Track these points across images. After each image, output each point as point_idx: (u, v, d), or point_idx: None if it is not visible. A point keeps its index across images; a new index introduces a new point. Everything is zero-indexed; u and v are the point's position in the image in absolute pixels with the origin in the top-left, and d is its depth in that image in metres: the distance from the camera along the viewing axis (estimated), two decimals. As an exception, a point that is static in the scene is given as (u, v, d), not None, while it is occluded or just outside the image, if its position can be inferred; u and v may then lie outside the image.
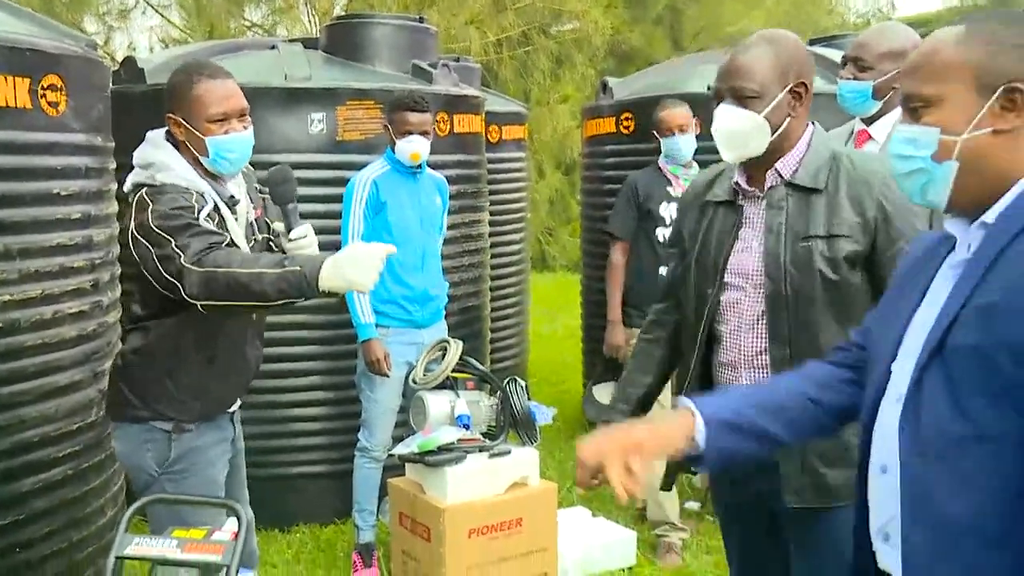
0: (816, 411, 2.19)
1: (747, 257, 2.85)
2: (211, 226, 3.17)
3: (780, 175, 2.81)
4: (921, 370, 1.84)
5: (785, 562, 2.89)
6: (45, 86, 3.71)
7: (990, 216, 1.86)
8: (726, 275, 2.84)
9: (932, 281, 1.95)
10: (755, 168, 2.83)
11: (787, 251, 2.75)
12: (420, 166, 5.01)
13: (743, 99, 2.73)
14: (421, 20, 6.30)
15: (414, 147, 4.86)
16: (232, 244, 3.24)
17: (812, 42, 7.32)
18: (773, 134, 2.75)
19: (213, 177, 3.31)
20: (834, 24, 19.18)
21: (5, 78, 3.56)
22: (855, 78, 3.84)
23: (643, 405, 3.10)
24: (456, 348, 4.84)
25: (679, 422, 2.14)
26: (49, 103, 3.73)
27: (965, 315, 1.79)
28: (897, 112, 3.90)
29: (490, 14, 11.63)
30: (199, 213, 3.16)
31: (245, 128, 3.31)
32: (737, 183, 2.87)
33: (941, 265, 1.96)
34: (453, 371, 4.88)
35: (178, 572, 3.06)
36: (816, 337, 2.72)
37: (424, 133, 4.91)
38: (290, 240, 3.31)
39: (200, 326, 3.26)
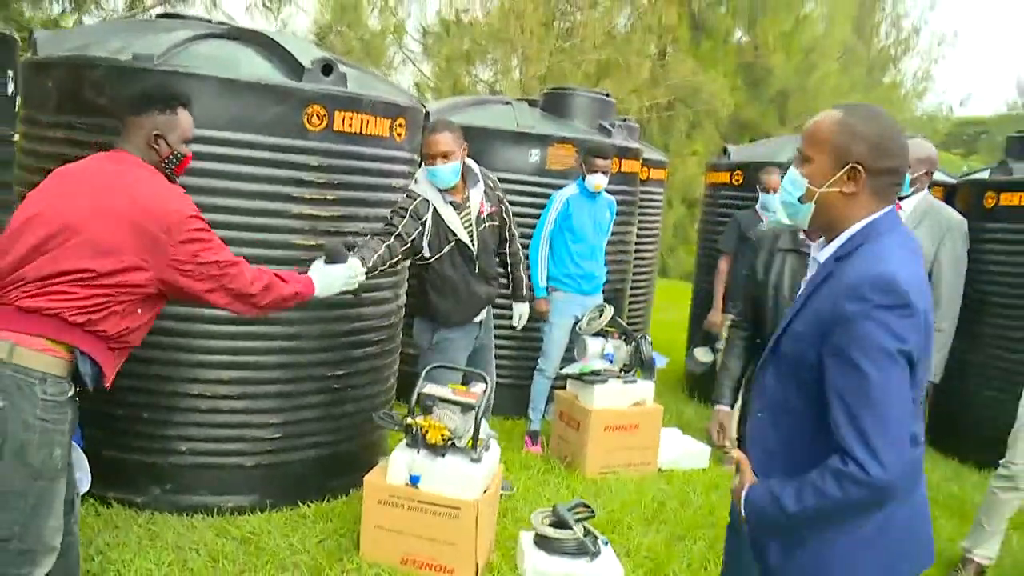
0: None
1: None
2: (414, 222, 4.29)
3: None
4: (766, 361, 2.20)
5: None
6: (398, 124, 4.59)
7: (821, 256, 2.12)
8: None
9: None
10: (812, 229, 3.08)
11: None
12: (599, 192, 5.84)
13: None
14: (607, 95, 7.01)
15: (598, 180, 5.70)
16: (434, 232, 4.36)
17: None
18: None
19: (454, 191, 4.42)
20: (904, 119, 18.88)
21: (378, 120, 4.45)
22: None
23: (736, 383, 3.33)
24: (609, 311, 5.65)
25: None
26: (397, 134, 4.62)
27: (788, 333, 2.11)
28: (920, 195, 4.53)
29: (647, 86, 12.19)
30: (416, 216, 4.29)
31: (444, 164, 4.32)
32: (802, 238, 3.09)
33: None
34: (605, 326, 5.70)
35: (449, 407, 4.10)
36: None
37: (605, 172, 5.73)
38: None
39: (437, 273, 4.47)
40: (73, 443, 2.93)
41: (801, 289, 2.17)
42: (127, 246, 2.70)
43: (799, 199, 2.12)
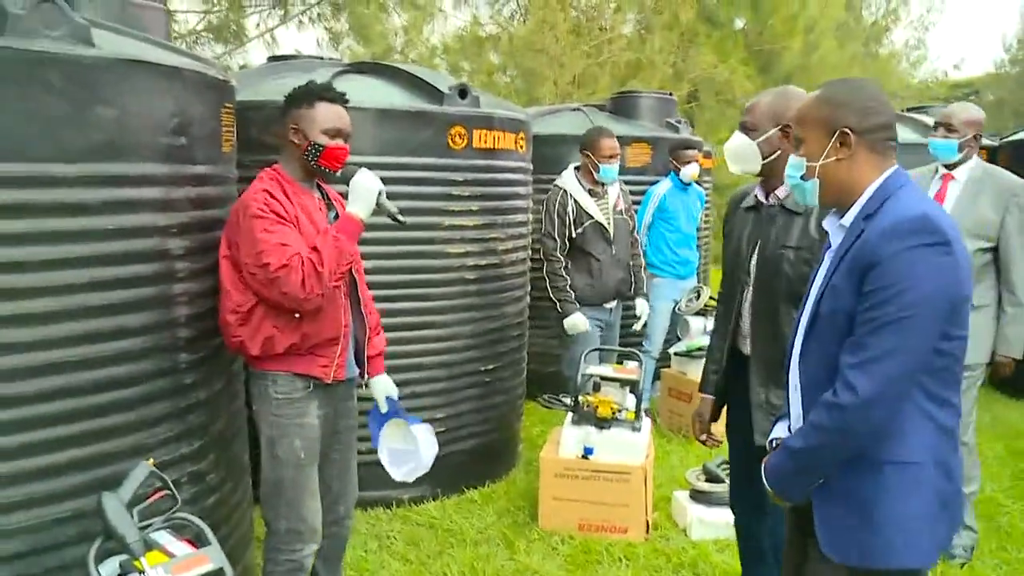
0: None
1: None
2: (564, 219, 5.05)
3: (778, 197, 2.91)
4: (807, 327, 2.19)
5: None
6: (520, 137, 5.03)
7: (846, 220, 2.14)
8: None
9: (822, 263, 2.24)
10: (766, 185, 2.96)
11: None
12: (690, 185, 6.32)
13: (745, 129, 2.90)
14: (670, 94, 7.49)
15: (692, 170, 6.17)
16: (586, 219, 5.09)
17: (909, 110, 8.23)
18: (765, 159, 2.86)
19: (594, 182, 5.09)
20: (900, 84, 19.58)
21: (506, 135, 4.89)
22: (945, 137, 4.06)
23: (719, 367, 3.33)
24: (706, 291, 6.08)
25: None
26: (520, 146, 5.03)
27: (828, 292, 2.11)
28: (972, 162, 4.09)
29: (674, 82, 12.72)
30: (563, 206, 5.03)
31: (613, 163, 5.06)
32: (756, 196, 3.00)
33: (825, 252, 2.24)
34: (704, 305, 6.12)
35: (612, 384, 4.68)
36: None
37: (697, 161, 6.21)
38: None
39: (578, 250, 5.13)
40: (407, 421, 3.42)
41: (832, 251, 2.19)
42: (225, 247, 2.96)
43: (802, 178, 2.20)
